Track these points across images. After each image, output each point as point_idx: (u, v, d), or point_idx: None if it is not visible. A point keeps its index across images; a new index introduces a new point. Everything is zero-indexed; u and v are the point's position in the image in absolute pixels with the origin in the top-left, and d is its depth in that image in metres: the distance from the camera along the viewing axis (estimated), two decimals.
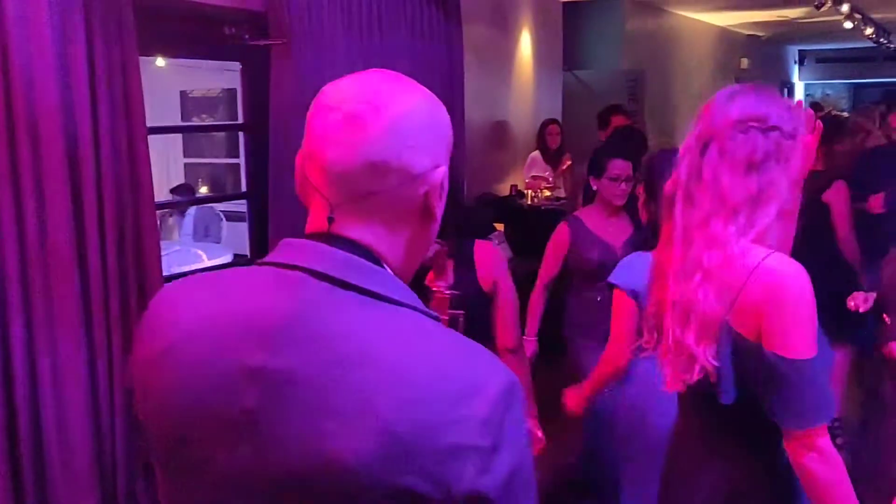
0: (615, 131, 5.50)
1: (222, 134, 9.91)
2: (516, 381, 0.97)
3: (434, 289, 1.59)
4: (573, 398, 2.80)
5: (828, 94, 17.38)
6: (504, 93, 6.78)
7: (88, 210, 3.32)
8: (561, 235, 3.75)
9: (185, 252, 4.70)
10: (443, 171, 1.04)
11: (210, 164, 9.98)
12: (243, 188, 9.11)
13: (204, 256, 5.79)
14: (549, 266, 3.79)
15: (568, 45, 7.78)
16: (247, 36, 4.16)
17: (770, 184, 1.61)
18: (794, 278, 1.58)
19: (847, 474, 1.60)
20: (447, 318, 1.57)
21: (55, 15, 3.16)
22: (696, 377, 1.64)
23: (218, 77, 8.82)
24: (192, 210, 7.74)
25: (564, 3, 7.44)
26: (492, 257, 2.77)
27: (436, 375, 0.93)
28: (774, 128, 1.63)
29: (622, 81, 8.07)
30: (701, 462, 1.79)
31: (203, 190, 9.62)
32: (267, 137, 4.22)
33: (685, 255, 1.67)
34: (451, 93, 5.53)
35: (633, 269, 2.63)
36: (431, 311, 1.02)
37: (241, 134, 8.36)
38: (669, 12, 9.64)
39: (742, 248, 1.60)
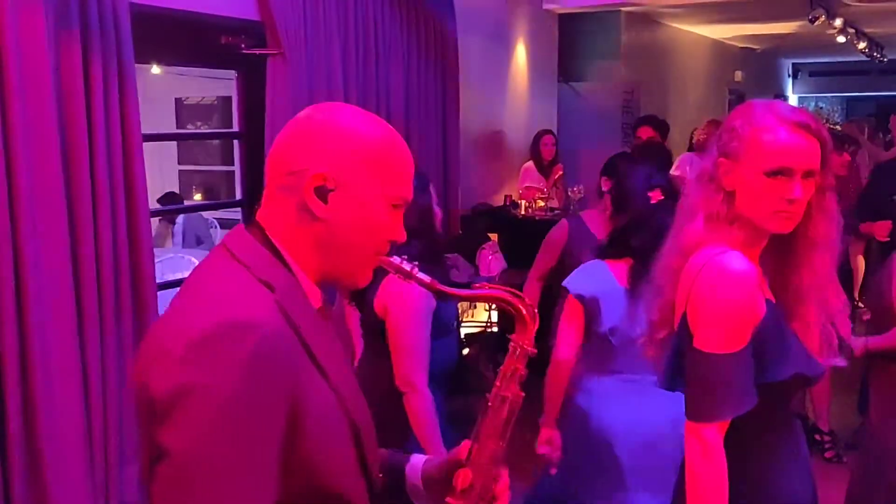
0: (641, 144, 5.49)
1: (217, 141, 9.94)
2: (243, 333, 1.07)
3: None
4: (543, 438, 2.78)
5: (821, 107, 17.46)
6: (499, 103, 6.80)
7: (83, 216, 3.32)
8: (560, 231, 3.75)
9: (177, 259, 4.68)
10: (312, 174, 1.20)
11: (204, 171, 9.99)
12: (237, 196, 9.18)
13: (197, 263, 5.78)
14: (544, 259, 3.77)
15: (564, 57, 7.81)
16: (243, 45, 4.18)
17: (695, 199, 1.75)
18: (724, 273, 1.64)
19: (725, 478, 1.64)
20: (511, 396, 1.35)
21: (51, 21, 3.17)
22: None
23: (213, 85, 8.83)
24: (179, 219, 7.71)
25: (560, 14, 7.47)
26: (393, 283, 2.38)
27: (193, 309, 1.15)
28: (721, 140, 1.76)
29: (618, 93, 8.10)
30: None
31: (197, 197, 9.63)
32: (262, 146, 4.23)
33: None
34: (445, 103, 5.56)
35: (585, 275, 2.72)
36: (264, 279, 1.19)
37: (235, 142, 8.39)
38: (665, 25, 9.69)
39: (680, 254, 1.75)
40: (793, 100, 17.42)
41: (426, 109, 5.32)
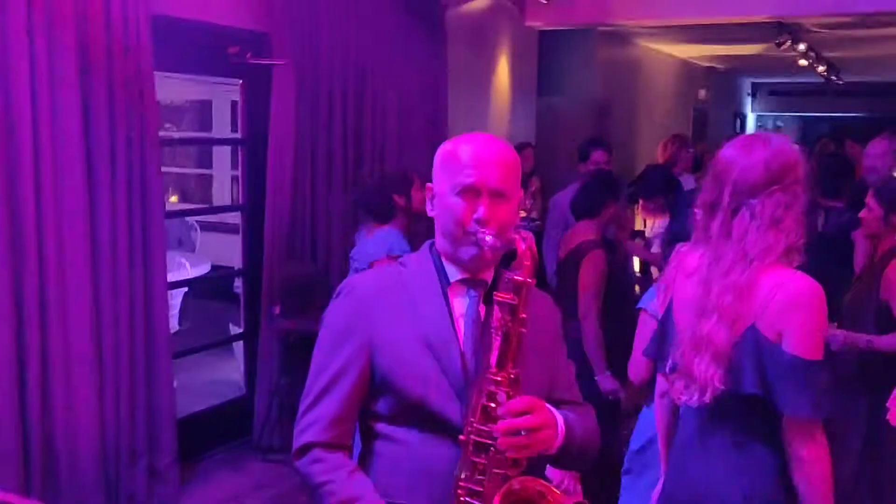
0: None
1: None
2: (343, 288, 1.68)
3: None
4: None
5: (779, 126, 17.96)
6: (482, 115, 6.98)
7: (103, 218, 3.44)
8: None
9: (170, 259, 4.77)
10: (426, 187, 1.71)
11: (179, 174, 10.01)
12: (214, 198, 9.24)
13: (187, 265, 5.88)
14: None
15: (542, 72, 8.02)
16: (249, 54, 4.31)
17: (785, 228, 1.91)
18: (813, 289, 1.86)
19: (831, 467, 1.85)
20: None
21: (75, 33, 3.29)
22: (703, 399, 1.92)
23: (191, 89, 8.88)
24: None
25: (541, 31, 7.69)
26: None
27: None
28: (780, 182, 1.91)
29: (592, 109, 8.34)
30: (721, 460, 1.98)
31: (173, 199, 9.65)
32: (264, 152, 4.37)
33: (705, 297, 1.95)
34: (435, 112, 5.73)
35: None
36: (403, 262, 1.73)
37: (216, 147, 8.48)
38: (637, 44, 9.96)
39: (752, 275, 1.88)
40: (751, 118, 17.92)
41: (417, 119, 5.50)
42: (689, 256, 2.07)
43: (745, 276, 1.89)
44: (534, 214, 6.63)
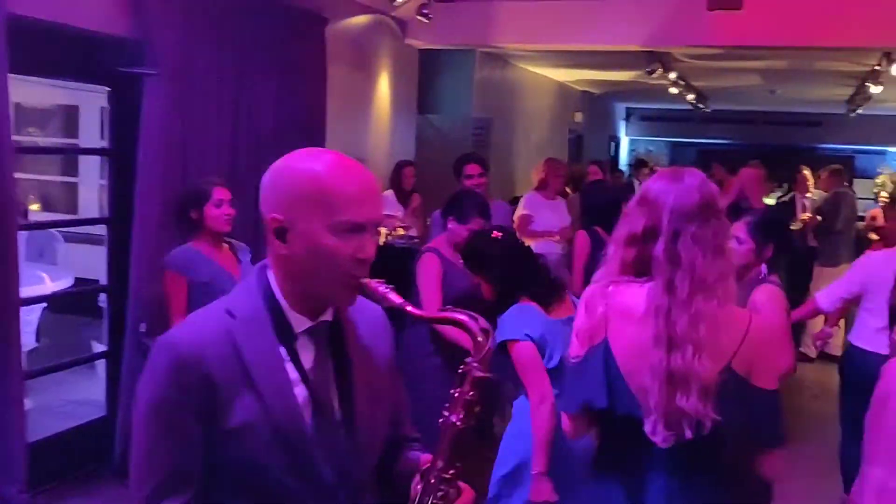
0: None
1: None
2: (163, 350, 1.37)
3: None
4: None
5: (650, 150, 18.67)
6: (363, 132, 6.94)
7: None
8: (435, 263, 3.77)
9: (27, 274, 4.49)
10: (269, 219, 1.39)
11: (41, 181, 9.53)
12: (79, 207, 8.83)
13: (47, 279, 5.55)
14: (437, 293, 3.71)
15: (422, 90, 8.07)
16: (119, 62, 4.13)
17: (728, 255, 1.97)
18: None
19: None
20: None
21: None
22: (689, 435, 1.85)
23: (57, 93, 8.47)
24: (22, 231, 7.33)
25: (421, 50, 7.74)
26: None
27: None
28: (712, 209, 1.94)
29: (471, 128, 8.45)
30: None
31: (34, 207, 9.16)
32: (132, 163, 4.20)
33: (668, 328, 1.87)
34: (311, 129, 5.66)
35: (522, 320, 2.78)
36: (230, 308, 1.42)
37: (81, 156, 8.07)
38: (515, 66, 10.17)
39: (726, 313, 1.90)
40: (625, 141, 18.57)
41: (295, 133, 5.40)
42: (622, 296, 1.96)
43: (712, 306, 1.87)
44: (413, 232, 6.62)
